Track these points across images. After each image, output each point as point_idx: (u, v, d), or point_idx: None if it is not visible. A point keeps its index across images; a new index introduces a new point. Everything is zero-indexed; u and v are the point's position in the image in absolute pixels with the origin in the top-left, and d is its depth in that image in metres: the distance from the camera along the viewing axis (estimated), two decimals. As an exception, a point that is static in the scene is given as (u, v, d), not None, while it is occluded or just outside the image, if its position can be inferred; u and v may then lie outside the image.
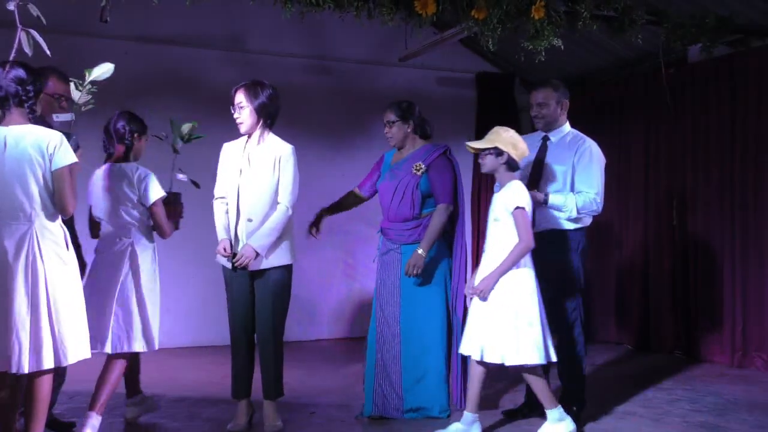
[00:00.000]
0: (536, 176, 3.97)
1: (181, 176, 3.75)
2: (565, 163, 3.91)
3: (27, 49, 2.87)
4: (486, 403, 4.36)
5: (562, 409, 3.56)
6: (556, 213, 3.87)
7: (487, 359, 3.49)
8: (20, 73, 2.91)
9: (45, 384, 2.96)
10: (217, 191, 3.82)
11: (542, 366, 3.58)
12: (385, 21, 4.03)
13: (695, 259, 5.75)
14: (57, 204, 2.95)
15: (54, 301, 2.89)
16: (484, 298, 3.51)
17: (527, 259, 3.53)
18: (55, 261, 2.91)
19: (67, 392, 4.05)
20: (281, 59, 6.56)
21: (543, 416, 3.87)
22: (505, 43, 4.48)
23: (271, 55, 6.50)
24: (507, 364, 3.45)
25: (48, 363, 2.90)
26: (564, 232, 3.90)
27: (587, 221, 3.97)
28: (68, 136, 3.02)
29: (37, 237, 2.88)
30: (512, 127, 7.97)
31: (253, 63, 6.37)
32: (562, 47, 4.35)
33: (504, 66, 7.32)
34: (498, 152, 3.53)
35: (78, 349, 3.00)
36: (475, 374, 3.59)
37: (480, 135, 7.33)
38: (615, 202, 6.52)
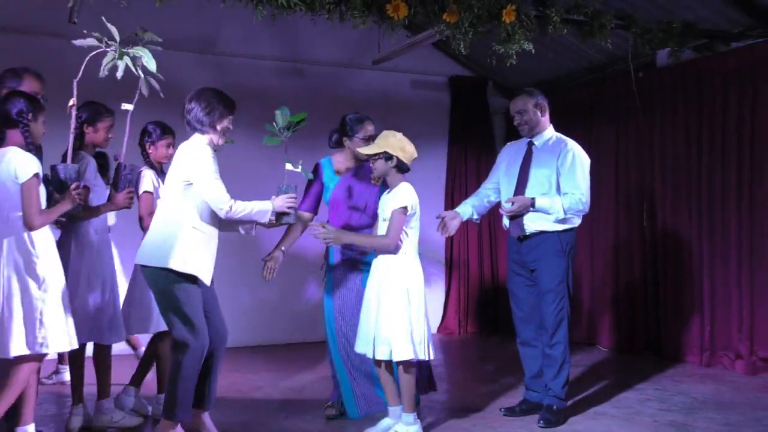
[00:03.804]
0: (523, 181, 4.07)
1: (289, 166, 3.62)
2: (550, 166, 4.01)
3: (144, 89, 3.51)
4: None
5: (416, 415, 3.63)
6: (544, 216, 3.96)
7: (378, 356, 3.55)
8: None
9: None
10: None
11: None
12: (357, 24, 4.03)
13: (665, 260, 5.83)
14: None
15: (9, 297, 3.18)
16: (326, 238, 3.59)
17: (415, 254, 3.61)
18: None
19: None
20: (253, 62, 6.53)
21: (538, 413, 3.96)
22: (477, 47, 4.52)
23: (243, 58, 6.48)
24: (395, 359, 3.53)
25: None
26: (554, 234, 3.99)
27: (576, 222, 4.06)
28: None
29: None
30: (485, 129, 8.11)
31: (226, 65, 6.34)
32: (533, 51, 4.40)
33: (477, 69, 7.37)
34: (387, 156, 3.59)
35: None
36: (382, 372, 3.67)
37: (453, 137, 7.44)
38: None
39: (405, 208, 3.54)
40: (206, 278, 3.44)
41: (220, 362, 3.60)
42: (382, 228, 3.64)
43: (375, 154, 3.61)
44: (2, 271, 3.16)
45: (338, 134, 4.10)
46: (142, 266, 3.41)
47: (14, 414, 3.45)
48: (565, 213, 3.92)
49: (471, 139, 7.37)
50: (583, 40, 4.68)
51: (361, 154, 3.77)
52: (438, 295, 7.25)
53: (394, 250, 3.56)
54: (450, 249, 7.29)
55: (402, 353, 3.50)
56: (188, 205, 3.39)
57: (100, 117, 3.85)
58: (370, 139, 3.94)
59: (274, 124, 3.57)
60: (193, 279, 3.38)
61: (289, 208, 3.53)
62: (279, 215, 3.58)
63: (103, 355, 3.88)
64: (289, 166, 3.61)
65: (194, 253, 3.37)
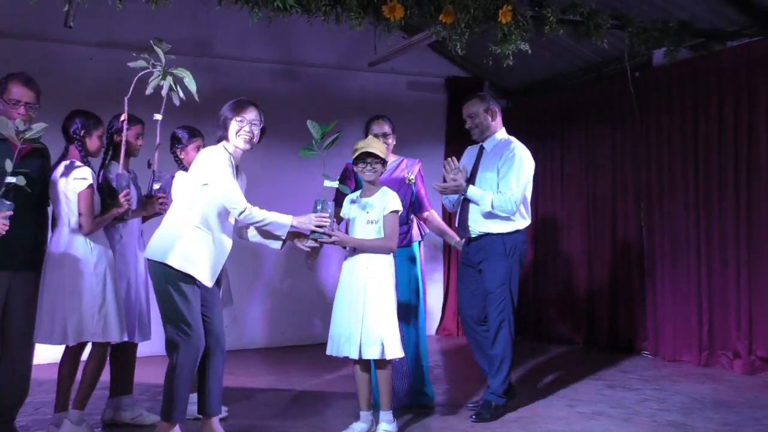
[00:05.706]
0: (471, 184, 4.14)
1: (327, 183, 3.56)
2: (493, 170, 4.12)
3: (176, 100, 3.57)
4: (460, 395, 4.41)
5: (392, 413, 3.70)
6: (487, 219, 4.05)
7: (368, 356, 3.56)
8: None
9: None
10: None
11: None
12: (353, 26, 4.02)
13: (662, 260, 5.83)
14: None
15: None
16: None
17: (392, 258, 3.69)
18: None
19: (32, 403, 3.98)
20: (249, 64, 6.52)
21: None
22: (473, 48, 4.52)
23: (238, 60, 6.46)
24: (389, 358, 3.56)
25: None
26: (498, 237, 4.08)
27: (523, 224, 4.13)
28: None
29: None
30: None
31: (221, 68, 6.33)
32: (529, 51, 4.40)
33: (473, 70, 7.37)
34: (384, 162, 3.72)
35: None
36: (360, 374, 3.69)
37: (450, 138, 7.42)
38: (583, 204, 6.60)
39: (398, 212, 3.66)
40: (205, 280, 3.40)
41: (220, 367, 3.55)
42: (363, 228, 3.65)
43: (381, 159, 3.65)
44: (67, 269, 3.53)
45: (364, 136, 4.15)
46: (147, 259, 3.44)
47: (9, 412, 3.53)
48: (492, 208, 4.00)
49: (468, 140, 7.34)
50: (579, 40, 4.69)
51: (379, 152, 3.68)
52: (437, 296, 7.24)
53: (392, 250, 3.66)
54: (448, 250, 7.28)
55: (395, 351, 3.56)
56: (197, 206, 3.39)
57: (129, 125, 3.90)
58: (380, 136, 4.08)
59: (313, 141, 3.52)
60: (191, 279, 3.37)
61: (319, 226, 3.47)
62: (310, 231, 3.50)
63: (126, 352, 3.97)
64: (327, 183, 3.57)
65: (194, 252, 3.35)
